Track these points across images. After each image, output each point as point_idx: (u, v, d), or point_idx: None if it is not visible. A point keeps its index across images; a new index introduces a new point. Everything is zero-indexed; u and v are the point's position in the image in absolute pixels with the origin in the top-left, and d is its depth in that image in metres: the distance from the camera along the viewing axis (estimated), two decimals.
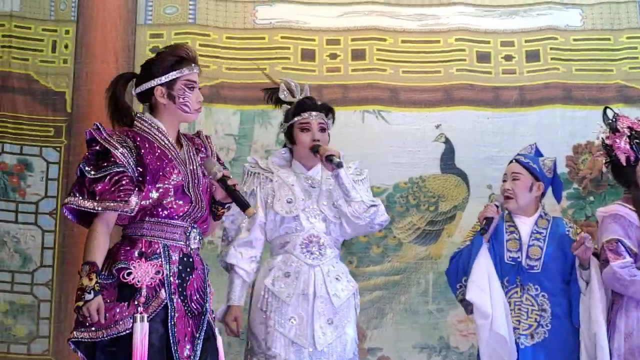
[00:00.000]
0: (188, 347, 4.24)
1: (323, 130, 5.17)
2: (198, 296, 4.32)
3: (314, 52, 7.07)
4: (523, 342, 5.28)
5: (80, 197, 4.13)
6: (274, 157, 5.30)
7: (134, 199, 4.13)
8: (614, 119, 5.39)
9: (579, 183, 6.80)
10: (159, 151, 4.28)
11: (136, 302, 4.11)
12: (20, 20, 7.03)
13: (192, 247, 4.34)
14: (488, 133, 6.83)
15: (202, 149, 4.52)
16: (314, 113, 5.19)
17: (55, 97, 6.94)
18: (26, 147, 6.88)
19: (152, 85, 4.35)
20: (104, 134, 4.21)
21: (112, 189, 4.11)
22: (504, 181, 5.52)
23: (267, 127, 6.84)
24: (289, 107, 5.26)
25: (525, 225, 5.44)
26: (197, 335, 4.30)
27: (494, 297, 5.24)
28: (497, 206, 5.39)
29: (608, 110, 5.46)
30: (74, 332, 4.12)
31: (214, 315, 4.52)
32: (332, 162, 5.03)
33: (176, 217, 4.26)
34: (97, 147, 4.20)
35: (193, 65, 4.42)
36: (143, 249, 4.21)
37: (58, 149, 6.89)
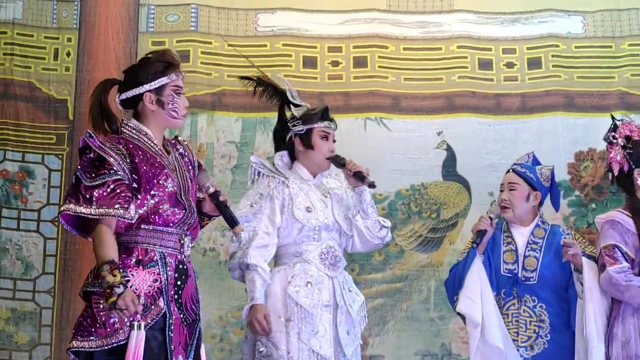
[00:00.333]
0: (181, 355, 4.23)
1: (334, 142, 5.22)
2: (192, 304, 4.32)
3: (316, 59, 7.07)
4: (522, 353, 5.27)
5: (76, 204, 4.10)
6: (277, 160, 5.24)
7: (133, 207, 4.12)
8: (612, 128, 5.39)
9: (581, 190, 6.80)
10: (151, 158, 4.26)
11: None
12: (23, 28, 7.05)
13: (186, 254, 4.34)
14: (490, 140, 6.83)
15: (186, 154, 4.51)
16: (333, 125, 5.23)
17: (57, 104, 6.95)
18: (28, 155, 6.89)
19: (141, 91, 4.31)
20: (98, 142, 4.18)
21: (111, 195, 4.09)
22: (501, 191, 5.52)
23: (269, 134, 6.77)
24: (296, 108, 5.24)
25: (521, 235, 5.44)
26: (190, 343, 4.31)
27: (486, 307, 5.24)
28: (491, 218, 5.38)
29: (615, 117, 5.47)
30: (73, 342, 4.11)
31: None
32: (363, 180, 5.09)
33: (171, 224, 4.25)
34: (92, 155, 4.17)
35: (179, 71, 4.41)
36: (140, 257, 4.19)
37: (60, 156, 6.90)
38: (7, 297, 6.73)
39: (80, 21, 7.07)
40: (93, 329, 4.08)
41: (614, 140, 5.31)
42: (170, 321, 4.19)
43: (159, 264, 4.20)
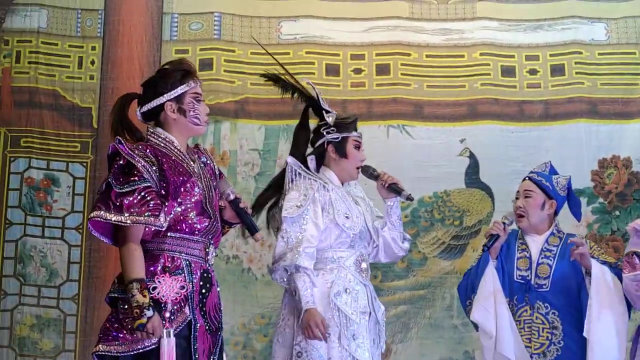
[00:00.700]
0: None
1: None
2: (215, 312, 4.32)
3: (339, 67, 7.08)
4: None
5: (107, 211, 4.11)
6: (309, 163, 5.16)
7: (162, 215, 4.14)
8: None
9: (605, 197, 6.77)
10: (178, 166, 4.28)
11: (162, 317, 4.09)
12: (47, 37, 7.09)
13: (210, 263, 4.35)
14: (512, 147, 6.81)
15: (208, 162, 4.53)
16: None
17: (81, 112, 6.98)
18: (53, 163, 6.92)
19: (162, 101, 4.33)
20: (127, 148, 4.21)
21: (141, 203, 4.10)
22: (517, 198, 5.51)
23: None
24: (327, 115, 5.18)
25: (535, 243, 5.41)
26: (213, 351, 4.31)
27: (500, 317, 5.22)
28: (504, 224, 5.36)
29: None
30: (99, 346, 4.11)
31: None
32: (399, 193, 5.12)
33: (197, 232, 4.26)
34: (121, 161, 4.18)
35: (196, 78, 4.44)
36: (166, 264, 4.20)
37: (84, 164, 6.93)
38: (32, 304, 6.76)
39: (104, 30, 7.11)
40: (119, 334, 4.09)
41: None
42: (196, 329, 4.20)
43: (185, 271, 4.21)
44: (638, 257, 5.08)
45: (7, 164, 6.92)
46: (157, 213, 4.10)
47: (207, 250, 4.32)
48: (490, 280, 5.27)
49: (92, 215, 4.14)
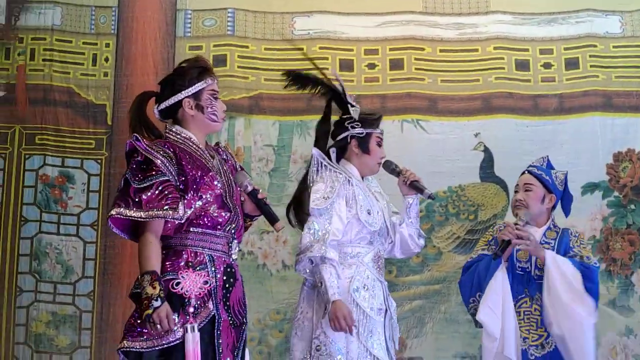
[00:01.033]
0: (229, 358, 4.26)
1: None
2: (239, 307, 4.34)
3: (352, 62, 7.07)
4: (533, 352, 5.24)
5: (126, 208, 4.13)
6: (331, 155, 5.13)
7: (181, 207, 4.16)
8: None
9: (620, 191, 6.74)
10: (197, 161, 4.30)
11: (185, 312, 4.12)
12: (61, 34, 7.12)
13: (233, 257, 4.36)
14: (527, 141, 6.78)
15: (228, 159, 4.55)
16: None
17: (96, 109, 7.00)
18: (68, 160, 6.95)
19: (180, 97, 4.37)
20: (144, 145, 4.23)
21: (159, 197, 4.12)
22: (516, 192, 5.50)
23: (306, 138, 6.84)
24: (352, 109, 5.15)
25: (534, 235, 5.41)
26: (238, 346, 4.33)
27: (507, 319, 5.22)
28: (521, 222, 5.34)
29: None
30: (124, 342, 4.12)
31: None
32: (421, 191, 5.13)
33: (219, 226, 4.28)
34: (139, 158, 4.21)
35: (213, 75, 4.46)
36: (189, 259, 4.21)
37: (99, 161, 6.95)
38: (48, 300, 6.79)
39: (118, 27, 7.13)
40: (144, 330, 4.10)
41: None
42: (219, 323, 4.22)
43: (208, 266, 4.23)
44: None
45: (22, 161, 6.94)
46: (175, 206, 4.13)
47: (230, 245, 4.34)
48: (500, 282, 5.26)
49: (112, 212, 4.16)
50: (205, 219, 4.25)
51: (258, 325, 6.65)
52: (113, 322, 6.67)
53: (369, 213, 4.97)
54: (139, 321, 4.12)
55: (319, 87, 5.20)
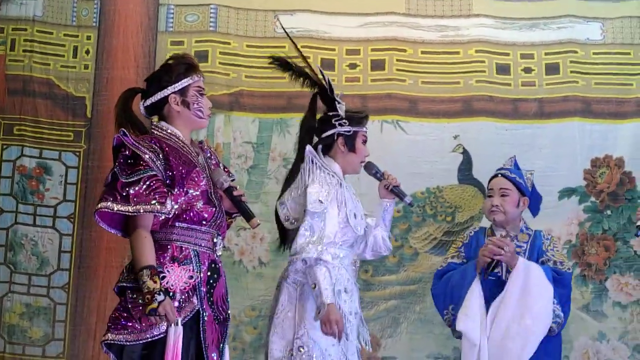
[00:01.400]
0: (214, 353, 4.29)
1: None
2: (222, 302, 4.41)
3: (334, 61, 7.06)
4: None
5: (114, 202, 4.15)
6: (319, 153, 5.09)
7: (169, 202, 4.17)
8: None
9: (597, 196, 6.77)
10: (183, 157, 4.33)
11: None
12: (42, 25, 7.08)
13: (218, 253, 4.42)
14: (506, 145, 6.78)
15: (212, 157, 4.58)
16: None
17: (75, 102, 6.98)
18: (46, 151, 6.91)
19: (167, 93, 4.42)
20: (132, 140, 4.25)
21: (147, 192, 4.16)
22: (490, 196, 5.51)
23: (286, 136, 6.84)
24: (339, 105, 5.11)
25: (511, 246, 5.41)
26: (221, 341, 4.40)
27: (484, 329, 5.24)
28: (507, 235, 5.35)
29: None
30: (108, 335, 4.17)
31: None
32: (402, 198, 5.15)
33: (204, 222, 4.32)
34: (127, 152, 4.25)
35: (199, 72, 4.48)
36: (175, 254, 4.24)
37: (77, 153, 6.92)
38: (22, 292, 6.75)
39: (100, 19, 7.10)
40: (128, 323, 4.14)
41: None
42: (204, 318, 4.25)
43: (193, 261, 4.26)
44: None
45: None
46: (163, 200, 4.18)
47: (214, 240, 4.37)
48: (477, 296, 5.27)
49: (99, 206, 4.19)
50: (191, 214, 4.29)
51: (233, 322, 6.53)
52: (87, 315, 6.65)
53: (355, 217, 4.96)
54: (124, 314, 4.14)
55: (305, 80, 5.18)
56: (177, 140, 4.39)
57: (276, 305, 4.96)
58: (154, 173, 4.20)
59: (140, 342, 4.14)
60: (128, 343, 4.14)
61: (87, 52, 7.05)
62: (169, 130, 4.41)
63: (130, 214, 4.15)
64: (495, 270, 5.29)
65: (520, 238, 5.45)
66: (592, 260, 6.67)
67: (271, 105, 6.94)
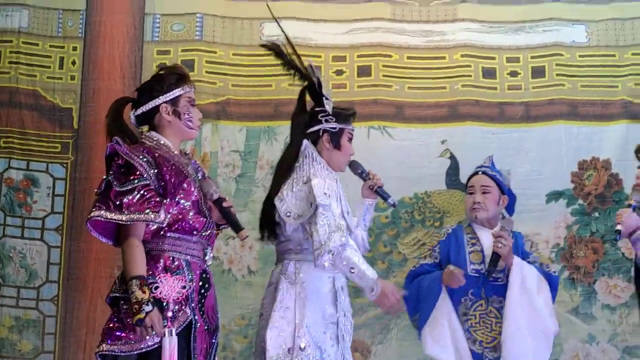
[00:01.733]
0: None
1: None
2: (212, 312, 4.42)
3: (320, 68, 7.03)
4: (487, 355, 5.28)
5: (107, 210, 4.16)
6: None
7: (162, 212, 4.18)
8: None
9: (584, 199, 6.78)
10: (175, 167, 4.33)
11: (164, 317, 4.16)
12: (28, 37, 7.08)
13: (208, 263, 4.44)
14: (493, 149, 6.72)
15: (199, 168, 4.59)
16: None
17: (62, 113, 6.97)
18: (33, 163, 6.90)
19: (158, 103, 4.42)
20: (125, 149, 4.25)
21: (141, 201, 4.17)
22: (471, 193, 5.53)
23: (273, 144, 6.84)
24: (326, 102, 5.03)
25: (487, 237, 5.44)
26: (210, 351, 4.40)
27: (456, 340, 5.25)
28: (507, 232, 5.38)
29: None
30: (103, 345, 4.16)
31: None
32: (385, 199, 5.11)
33: (195, 232, 4.32)
34: (120, 161, 4.25)
35: (191, 83, 4.50)
36: (167, 264, 4.25)
37: (65, 165, 6.91)
38: (11, 305, 6.74)
39: (86, 30, 7.09)
40: (122, 334, 4.14)
41: None
42: (196, 328, 4.26)
43: (185, 271, 4.26)
44: None
45: None
46: (157, 210, 4.19)
47: (205, 250, 4.37)
48: (445, 313, 5.30)
49: (92, 215, 4.19)
50: (183, 224, 4.31)
51: (223, 331, 6.54)
52: (77, 327, 6.63)
53: (348, 214, 4.91)
54: (118, 325, 4.15)
55: (295, 73, 5.09)
56: (167, 150, 4.40)
57: (272, 302, 4.78)
58: (148, 183, 4.21)
59: (135, 352, 4.14)
60: (122, 353, 4.13)
61: (74, 63, 7.05)
62: (160, 141, 4.42)
63: (123, 222, 4.16)
64: (498, 268, 5.30)
65: None
66: (581, 263, 6.68)
67: (258, 114, 6.95)
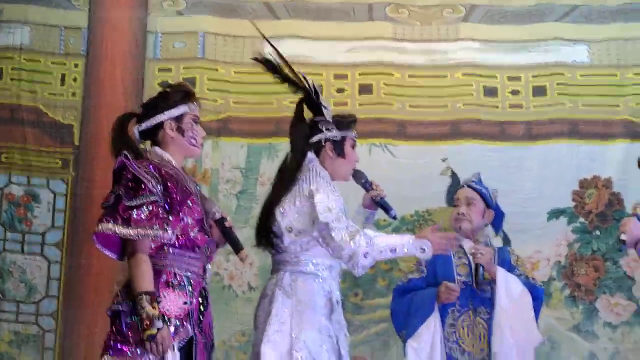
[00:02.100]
0: None
1: None
2: (209, 330, 4.41)
3: (321, 86, 7.03)
4: None
5: (115, 224, 4.15)
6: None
7: (169, 228, 4.17)
8: None
9: (585, 217, 6.77)
10: (180, 184, 4.33)
11: None
12: (30, 54, 7.10)
13: (207, 280, 4.44)
14: (494, 167, 6.78)
15: (198, 186, 4.61)
16: None
17: (63, 129, 6.99)
18: (34, 179, 6.92)
19: (163, 119, 4.43)
20: (135, 164, 4.25)
21: (149, 217, 4.17)
22: (456, 205, 5.54)
23: (274, 160, 6.81)
24: (325, 110, 4.96)
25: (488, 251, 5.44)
26: None
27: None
28: (483, 242, 5.40)
29: None
30: (105, 357, 4.14)
31: None
32: (387, 211, 5.05)
33: (197, 249, 4.32)
34: (129, 176, 4.24)
35: (196, 101, 4.51)
36: (169, 279, 4.24)
37: (65, 180, 6.92)
38: (11, 319, 6.74)
39: (88, 47, 7.12)
40: (124, 347, 4.13)
41: None
42: (197, 345, 4.26)
43: (187, 287, 4.25)
44: None
45: None
46: (165, 226, 4.16)
47: (205, 268, 4.37)
48: (431, 331, 5.29)
49: (100, 227, 4.18)
50: (186, 240, 4.31)
51: (222, 347, 6.60)
52: (76, 342, 6.62)
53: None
54: (120, 337, 4.13)
55: (291, 85, 5.04)
56: (172, 167, 4.40)
57: (267, 315, 4.73)
58: (156, 199, 4.20)
59: None
60: None
61: (75, 79, 7.06)
62: (163, 157, 4.42)
63: (131, 237, 4.15)
64: (483, 279, 5.30)
65: None
66: (582, 281, 6.67)
67: (259, 131, 6.95)
